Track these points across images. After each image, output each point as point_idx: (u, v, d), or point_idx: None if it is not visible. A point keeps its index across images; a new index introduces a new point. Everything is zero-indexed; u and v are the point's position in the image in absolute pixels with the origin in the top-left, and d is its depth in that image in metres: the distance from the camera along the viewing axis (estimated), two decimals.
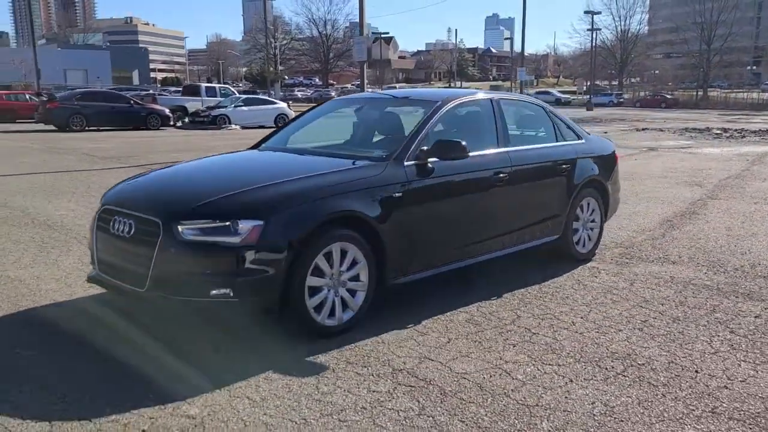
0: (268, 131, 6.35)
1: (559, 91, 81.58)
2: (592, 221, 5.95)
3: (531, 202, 5.26)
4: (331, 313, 3.87)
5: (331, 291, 3.85)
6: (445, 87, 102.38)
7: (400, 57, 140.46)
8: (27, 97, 28.58)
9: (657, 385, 3.36)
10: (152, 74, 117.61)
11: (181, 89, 36.34)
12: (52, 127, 22.94)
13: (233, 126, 25.33)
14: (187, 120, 26.95)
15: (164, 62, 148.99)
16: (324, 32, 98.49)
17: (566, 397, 3.19)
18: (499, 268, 5.36)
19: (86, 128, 22.79)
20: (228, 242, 3.49)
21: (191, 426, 2.81)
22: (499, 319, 4.30)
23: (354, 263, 3.95)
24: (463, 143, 4.43)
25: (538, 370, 3.51)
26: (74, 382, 3.23)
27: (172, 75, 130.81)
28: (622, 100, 68.66)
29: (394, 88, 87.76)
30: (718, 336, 4.07)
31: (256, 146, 5.35)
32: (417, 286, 4.70)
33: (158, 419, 2.86)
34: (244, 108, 26.39)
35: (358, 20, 17.42)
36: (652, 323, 4.29)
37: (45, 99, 23.91)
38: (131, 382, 3.23)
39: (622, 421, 2.97)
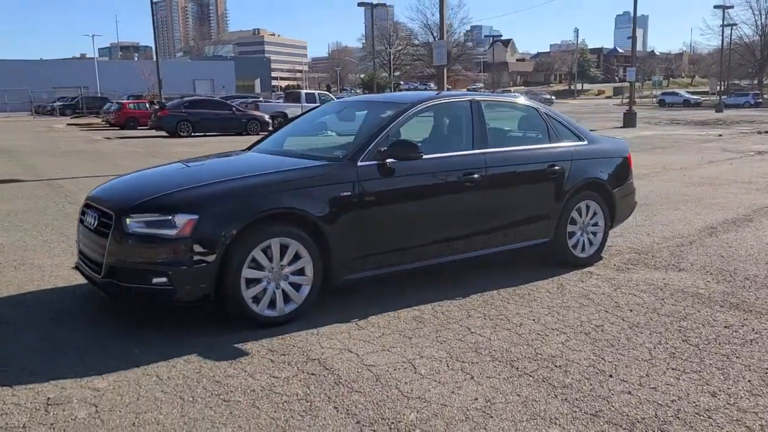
0: None
1: (689, 92, 76.88)
2: (594, 225, 5.81)
3: (511, 204, 5.26)
4: (273, 305, 4.15)
5: (271, 283, 4.13)
6: (558, 89, 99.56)
7: (518, 60, 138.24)
8: (147, 105, 31.20)
9: (557, 386, 3.35)
10: (274, 82, 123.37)
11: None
12: (164, 133, 24.94)
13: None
14: None
15: (287, 71, 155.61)
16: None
17: (453, 392, 3.27)
18: (488, 268, 5.44)
19: (192, 134, 24.57)
20: (166, 234, 3.88)
21: (92, 396, 3.19)
22: (447, 317, 4.39)
23: (297, 258, 4.20)
24: (417, 144, 4.57)
25: (447, 366, 3.60)
26: (18, 354, 3.73)
27: (294, 83, 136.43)
28: (760, 100, 63.54)
29: (509, 91, 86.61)
30: (665, 344, 3.94)
31: (251, 147, 5.74)
32: (385, 281, 4.91)
33: (68, 389, 3.26)
34: None
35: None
36: (605, 329, 4.21)
37: (157, 107, 26.02)
38: (67, 356, 3.68)
39: (491, 416, 3.02)
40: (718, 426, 2.95)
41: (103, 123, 33.33)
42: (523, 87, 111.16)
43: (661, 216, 8.10)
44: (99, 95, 55.48)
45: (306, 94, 31.75)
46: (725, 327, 4.26)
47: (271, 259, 4.10)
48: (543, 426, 2.94)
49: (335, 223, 4.29)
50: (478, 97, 5.35)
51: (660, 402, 3.18)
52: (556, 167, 5.47)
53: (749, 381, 3.44)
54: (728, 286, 5.15)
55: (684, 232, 7.13)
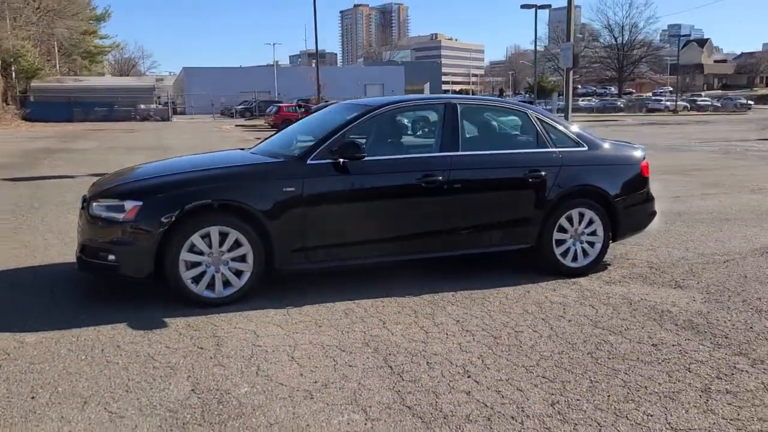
0: None
1: None
2: (592, 235, 5.61)
3: (481, 207, 5.28)
4: (212, 287, 4.63)
5: (210, 267, 4.61)
6: (763, 93, 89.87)
7: (717, 61, 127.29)
8: (295, 108, 33.53)
9: (405, 379, 3.48)
10: (446, 86, 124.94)
11: None
12: None
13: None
14: None
15: (462, 75, 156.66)
16: (620, 38, 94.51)
17: (301, 374, 3.53)
18: (463, 270, 5.59)
19: None
20: (117, 217, 4.51)
21: (14, 347, 3.88)
22: (376, 312, 4.58)
23: (238, 245, 4.64)
24: (361, 145, 4.81)
25: (324, 354, 3.84)
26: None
27: (467, 87, 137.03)
28: None
29: (700, 96, 80.00)
30: (563, 353, 3.85)
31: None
32: (348, 274, 5.23)
33: (3, 341, 3.99)
34: None
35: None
36: (521, 335, 4.17)
37: (303, 110, 27.87)
38: (18, 314, 4.43)
39: (311, 398, 3.24)
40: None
41: (265, 124, 36.17)
42: (719, 91, 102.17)
43: (727, 231, 7.46)
44: (275, 99, 60.05)
45: None
46: (653, 345, 4.03)
47: (210, 245, 4.58)
48: (347, 411, 3.12)
49: (277, 216, 4.67)
50: (455, 101, 5.43)
51: (489, 403, 3.20)
52: (539, 172, 5.38)
53: (608, 396, 3.31)
54: (711, 307, 4.77)
55: (731, 250, 6.54)
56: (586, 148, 5.69)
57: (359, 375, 3.54)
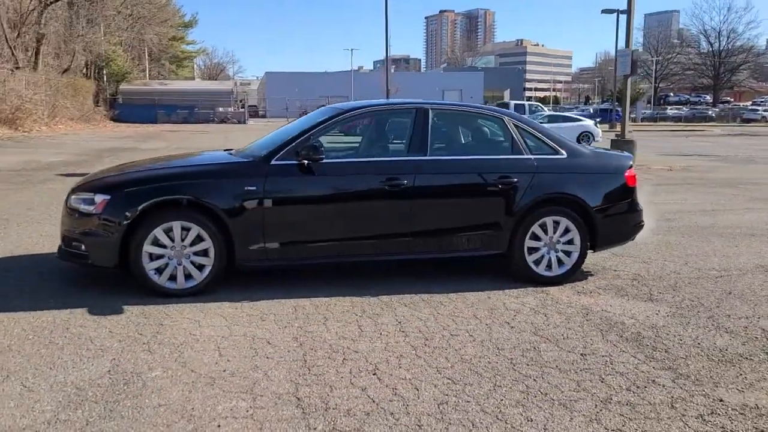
0: None
1: None
2: (568, 243, 5.55)
3: (448, 212, 5.34)
4: (175, 278, 4.92)
5: (173, 260, 4.91)
6: None
7: None
8: None
9: (312, 373, 3.62)
10: (529, 93, 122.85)
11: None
12: None
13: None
14: None
15: (548, 81, 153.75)
16: (717, 43, 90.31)
17: (214, 363, 3.73)
18: (446, 272, 5.73)
19: None
20: (88, 210, 4.88)
21: None
22: (324, 310, 4.73)
23: (200, 240, 4.92)
24: (319, 146, 4.99)
25: (249, 345, 4.03)
26: None
27: (552, 94, 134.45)
28: None
29: None
30: (476, 357, 3.89)
31: None
32: (312, 272, 5.43)
33: None
34: (545, 125, 26.79)
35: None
36: (451, 340, 4.22)
37: None
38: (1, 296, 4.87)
39: (198, 382, 3.45)
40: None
41: None
42: None
43: (743, 247, 7.16)
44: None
45: (516, 104, 31.73)
46: (581, 354, 4.01)
47: (173, 239, 4.87)
48: (237, 398, 3.30)
49: (237, 214, 4.92)
50: (426, 106, 5.52)
51: (377, 399, 3.31)
52: (510, 179, 5.39)
53: (502, 400, 3.34)
54: (671, 321, 4.66)
55: (733, 266, 6.29)
56: (564, 156, 5.64)
57: (270, 366, 3.71)
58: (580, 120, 28.44)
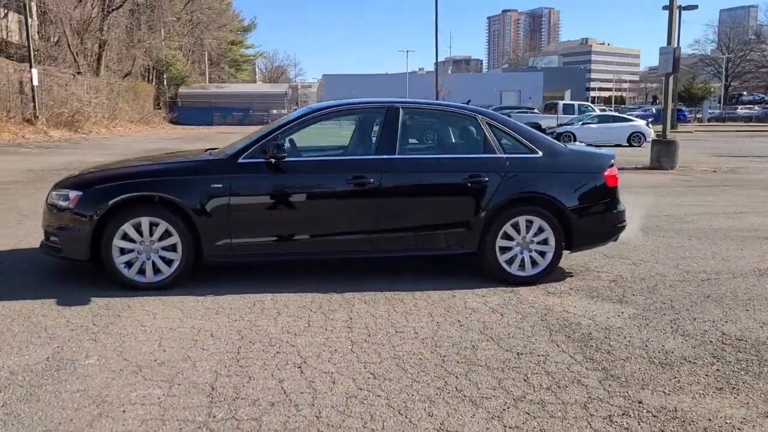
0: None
1: None
2: (542, 243, 5.49)
3: (416, 211, 5.36)
4: (144, 272, 5.12)
5: (142, 254, 5.11)
6: None
7: None
8: None
9: (239, 365, 3.73)
10: (593, 93, 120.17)
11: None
12: None
13: (578, 144, 25.47)
14: None
15: (614, 81, 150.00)
16: None
17: (150, 353, 3.89)
18: (424, 270, 5.79)
19: None
20: (62, 205, 5.14)
21: None
22: (281, 307, 4.82)
23: (169, 235, 5.11)
24: (281, 145, 5.11)
25: (191, 338, 4.17)
26: None
27: (618, 93, 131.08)
28: None
29: None
30: (420, 356, 3.92)
31: None
32: (287, 267, 5.57)
33: None
34: (593, 126, 26.24)
35: None
36: (393, 338, 4.25)
37: None
38: None
39: (125, 373, 3.61)
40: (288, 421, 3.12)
41: None
42: None
43: (748, 250, 6.90)
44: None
45: (564, 105, 31.21)
46: (517, 354, 3.98)
47: (141, 234, 5.08)
48: (153, 386, 3.44)
49: (204, 210, 5.08)
50: (398, 105, 5.55)
51: (289, 391, 3.39)
52: (480, 178, 5.37)
53: (413, 395, 3.37)
54: (629, 323, 4.57)
55: (727, 269, 6.08)
56: (539, 155, 5.57)
57: (201, 358, 3.84)
58: (631, 120, 27.71)
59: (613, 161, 5.81)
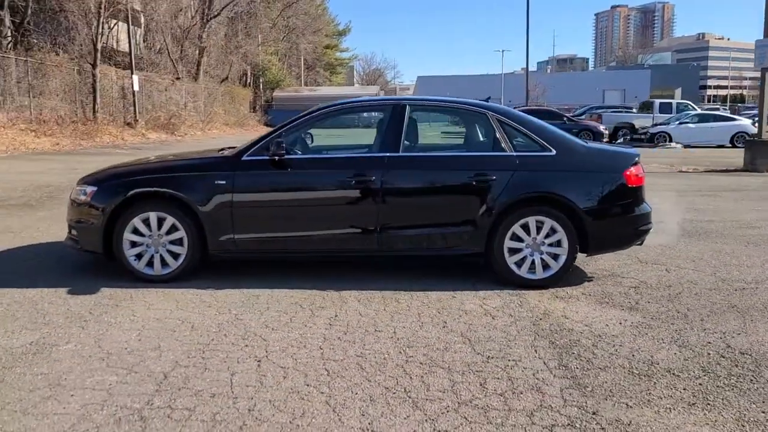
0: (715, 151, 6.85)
1: None
2: (555, 246, 5.27)
3: (419, 209, 5.29)
4: (152, 265, 5.36)
5: (150, 248, 5.34)
6: None
7: None
8: None
9: (201, 357, 3.84)
10: (708, 92, 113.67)
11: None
12: None
13: (673, 144, 24.27)
14: (628, 137, 26.97)
15: (735, 78, 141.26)
16: None
17: (123, 342, 4.06)
18: (432, 270, 5.74)
19: None
20: (81, 200, 5.46)
21: None
22: (272, 303, 4.87)
23: (175, 229, 5.31)
24: (280, 143, 5.19)
25: (170, 329, 4.31)
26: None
27: (738, 92, 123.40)
28: None
29: None
30: (383, 356, 3.88)
31: None
32: (289, 264, 5.66)
33: None
34: (691, 125, 24.85)
35: None
36: (367, 337, 4.21)
37: None
38: (16, 274, 5.56)
39: (83, 359, 3.78)
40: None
41: None
42: None
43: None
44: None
45: (660, 103, 29.69)
46: (487, 358, 3.86)
47: (150, 228, 5.32)
48: (103, 372, 3.59)
49: (208, 206, 5.25)
50: (405, 102, 5.50)
51: (231, 384, 3.46)
52: (487, 176, 5.23)
53: (354, 393, 3.35)
54: (625, 332, 4.32)
55: (766, 279, 5.62)
56: (553, 153, 5.36)
57: (171, 348, 3.96)
58: (735, 119, 26.04)
59: (636, 159, 5.49)
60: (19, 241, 7.00)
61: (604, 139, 25.89)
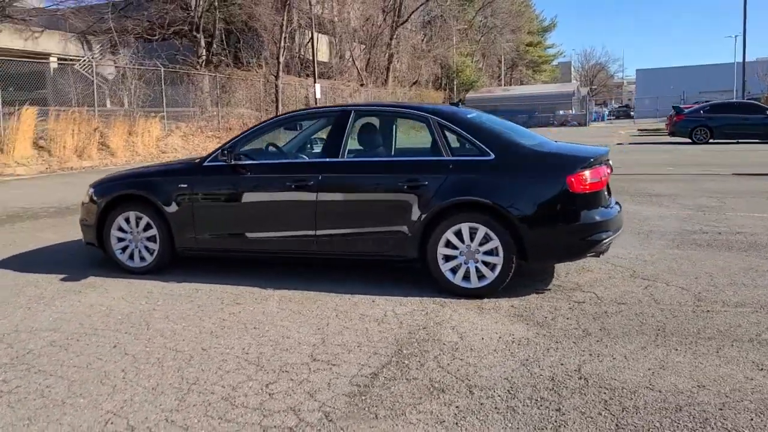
0: None
1: None
2: (490, 254, 5.08)
3: (354, 213, 5.39)
4: (133, 259, 6.13)
5: (132, 243, 6.12)
6: None
7: None
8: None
9: (135, 351, 4.43)
10: None
11: None
12: (686, 139, 24.60)
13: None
14: None
15: None
16: None
17: (76, 331, 4.79)
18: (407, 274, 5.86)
19: (710, 141, 23.52)
20: (85, 200, 6.41)
21: None
22: (231, 301, 5.23)
23: (150, 227, 6.04)
24: (232, 150, 5.67)
25: (127, 320, 4.95)
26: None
27: None
28: None
29: None
30: (277, 357, 4.18)
31: None
32: (283, 265, 6.12)
33: None
34: None
35: None
36: (270, 335, 4.54)
37: (673, 113, 25.52)
38: (40, 265, 6.65)
39: (43, 346, 4.53)
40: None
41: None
42: None
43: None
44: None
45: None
46: (313, 359, 3.97)
47: (131, 226, 6.10)
48: (43, 353, 4.32)
49: (173, 208, 5.89)
50: (350, 108, 5.65)
51: (138, 378, 4.00)
52: (418, 181, 5.20)
53: (218, 387, 3.71)
54: (498, 345, 4.12)
55: (747, 301, 4.86)
56: (491, 157, 5.15)
57: (67, 330, 4.58)
58: None
59: (585, 164, 5.06)
60: None
61: None
